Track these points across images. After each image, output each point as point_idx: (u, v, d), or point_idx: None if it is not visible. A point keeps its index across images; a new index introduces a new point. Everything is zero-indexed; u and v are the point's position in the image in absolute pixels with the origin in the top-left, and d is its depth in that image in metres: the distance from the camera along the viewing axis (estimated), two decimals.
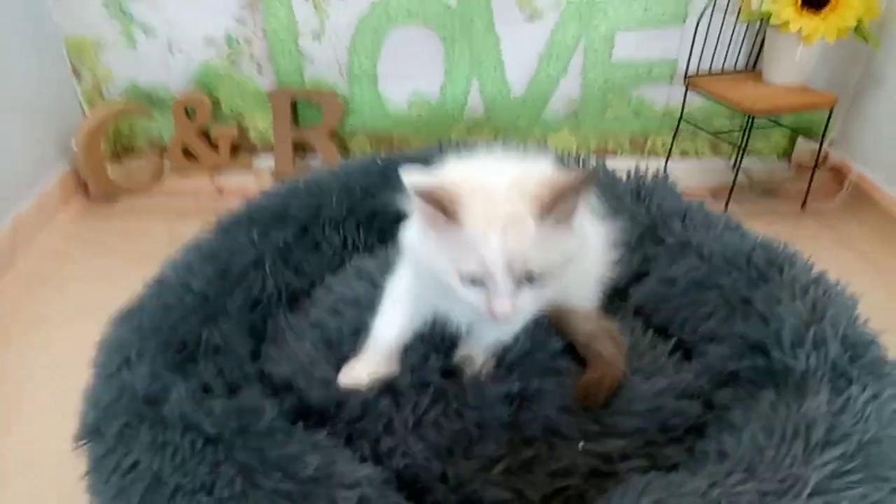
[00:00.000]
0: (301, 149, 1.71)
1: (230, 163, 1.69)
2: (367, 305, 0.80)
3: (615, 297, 0.87)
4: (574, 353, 0.77)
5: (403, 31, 1.56)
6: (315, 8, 1.50)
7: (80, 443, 0.63)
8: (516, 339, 0.74)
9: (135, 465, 0.58)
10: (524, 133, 1.72)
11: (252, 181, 1.67)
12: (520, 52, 1.61)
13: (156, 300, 0.76)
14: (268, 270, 0.88)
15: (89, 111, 1.60)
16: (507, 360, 0.74)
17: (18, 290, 1.25)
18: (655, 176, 1.03)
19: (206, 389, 0.67)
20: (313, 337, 0.80)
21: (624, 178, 1.04)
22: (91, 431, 0.62)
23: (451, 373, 0.73)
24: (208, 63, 1.58)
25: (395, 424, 0.67)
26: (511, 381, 0.72)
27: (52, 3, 1.48)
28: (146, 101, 1.62)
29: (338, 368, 0.73)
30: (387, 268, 0.81)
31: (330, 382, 0.72)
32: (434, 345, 0.75)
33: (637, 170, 1.05)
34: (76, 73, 1.57)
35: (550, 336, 0.77)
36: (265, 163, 1.73)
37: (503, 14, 1.55)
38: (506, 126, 1.71)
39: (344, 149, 1.73)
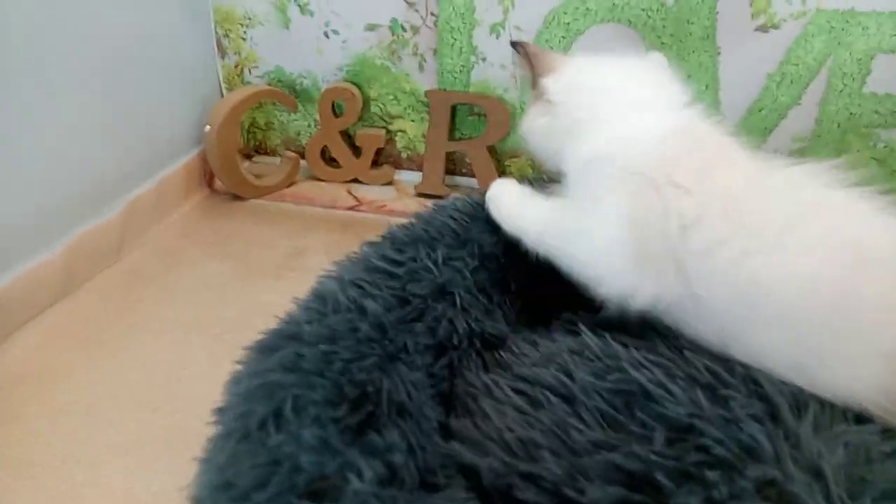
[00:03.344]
0: (451, 165, 1.51)
1: (369, 173, 1.52)
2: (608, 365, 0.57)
3: None
4: None
5: (600, 30, 1.34)
6: None
7: None
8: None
9: None
10: None
11: (392, 196, 1.49)
12: (742, 69, 1.35)
13: (318, 324, 0.54)
14: (458, 303, 0.65)
15: (228, 93, 1.48)
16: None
17: (118, 289, 1.10)
18: None
19: (394, 475, 0.44)
20: (527, 410, 0.56)
21: None
22: None
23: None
24: (365, 53, 1.42)
25: None
26: None
27: None
28: (289, 91, 1.49)
29: (568, 463, 0.49)
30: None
31: (566, 496, 0.47)
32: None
33: None
34: (220, 48, 1.46)
35: None
36: (408, 177, 1.54)
37: (730, 20, 1.30)
38: None
39: (500, 172, 1.51)
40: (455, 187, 1.53)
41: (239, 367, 0.54)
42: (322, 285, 0.61)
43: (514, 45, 0.73)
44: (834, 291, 0.54)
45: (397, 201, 1.47)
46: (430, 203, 1.43)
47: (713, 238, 0.57)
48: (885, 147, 1.39)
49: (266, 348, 0.53)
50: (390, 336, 0.56)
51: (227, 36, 1.45)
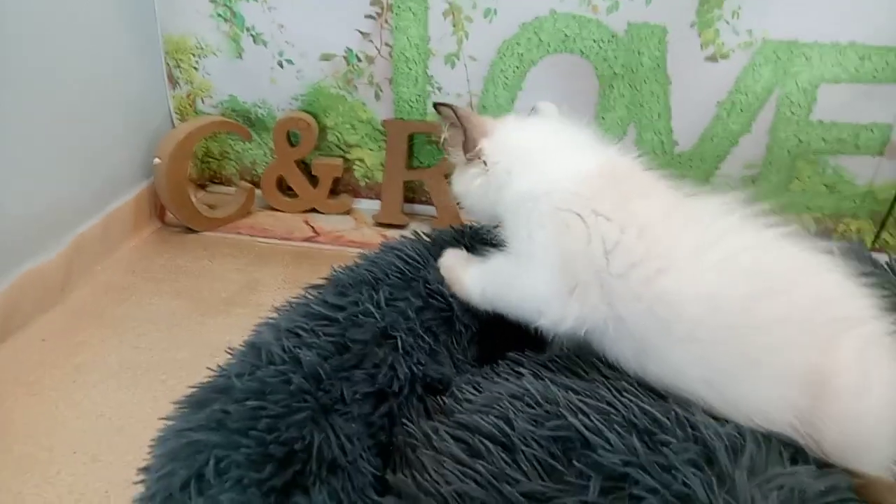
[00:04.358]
0: (410, 193, 1.52)
1: (327, 203, 1.51)
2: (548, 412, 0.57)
3: None
4: None
5: (553, 60, 1.36)
6: (454, 26, 1.33)
7: None
8: None
9: None
10: None
11: (350, 226, 1.49)
12: (693, 98, 1.39)
13: (248, 377, 0.53)
14: (400, 347, 0.65)
15: (178, 124, 1.46)
16: None
17: (63, 330, 1.07)
18: None
19: None
20: (465, 461, 0.56)
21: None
22: None
23: None
24: (320, 82, 1.43)
25: None
26: None
27: None
28: (243, 120, 1.48)
29: None
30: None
31: None
32: None
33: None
34: (171, 79, 1.45)
35: None
36: (367, 205, 1.54)
37: (680, 50, 1.34)
38: None
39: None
40: (413, 216, 1.53)
41: (169, 422, 0.53)
42: (257, 335, 0.60)
43: (439, 106, 0.73)
44: (736, 311, 0.57)
45: (355, 231, 1.47)
46: (388, 233, 1.45)
47: (630, 260, 0.60)
48: (834, 173, 1.44)
49: (196, 403, 0.52)
50: (325, 387, 0.56)
51: (178, 66, 1.44)
